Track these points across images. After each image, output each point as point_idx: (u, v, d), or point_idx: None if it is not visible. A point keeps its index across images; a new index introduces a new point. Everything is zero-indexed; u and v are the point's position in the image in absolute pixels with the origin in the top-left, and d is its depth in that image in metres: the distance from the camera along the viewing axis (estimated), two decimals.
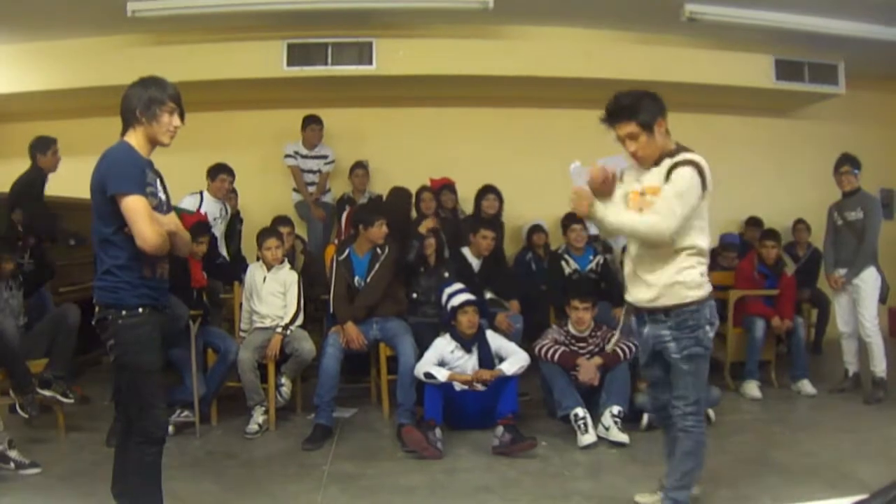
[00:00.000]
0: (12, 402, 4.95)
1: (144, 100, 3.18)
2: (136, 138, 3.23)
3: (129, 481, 3.26)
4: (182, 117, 3.31)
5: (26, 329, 5.36)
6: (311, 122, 7.89)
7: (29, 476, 4.46)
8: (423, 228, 6.46)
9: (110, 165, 3.12)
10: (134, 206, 3.03)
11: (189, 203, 6.27)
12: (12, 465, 4.55)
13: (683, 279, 3.43)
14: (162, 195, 3.32)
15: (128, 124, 3.23)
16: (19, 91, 7.62)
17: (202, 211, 6.23)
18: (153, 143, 3.28)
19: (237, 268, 6.49)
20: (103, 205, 3.12)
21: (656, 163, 3.46)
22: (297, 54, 7.48)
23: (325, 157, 8.06)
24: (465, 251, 6.65)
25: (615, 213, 3.46)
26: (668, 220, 3.30)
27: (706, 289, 3.50)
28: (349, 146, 8.31)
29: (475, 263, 6.60)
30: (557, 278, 6.74)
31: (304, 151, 7.97)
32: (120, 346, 3.19)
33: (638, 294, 3.58)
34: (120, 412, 3.76)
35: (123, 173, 3.08)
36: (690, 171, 3.33)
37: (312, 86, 7.95)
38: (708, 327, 3.48)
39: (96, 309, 3.23)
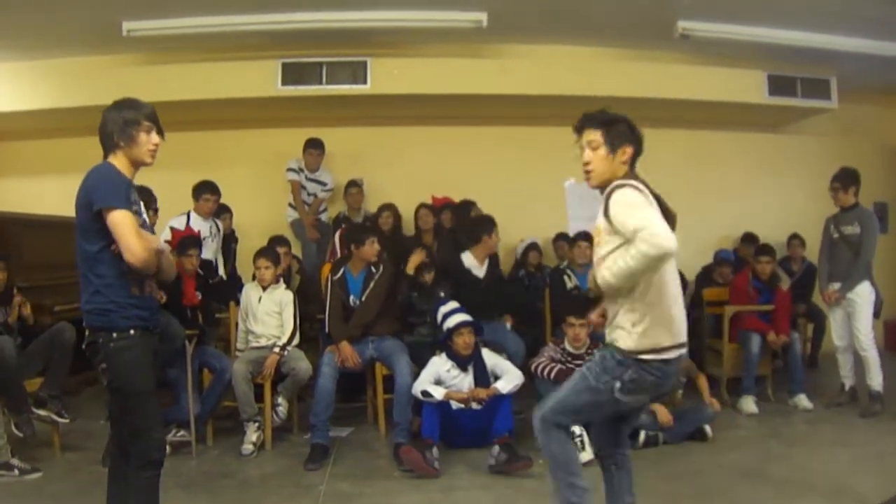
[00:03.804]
0: (7, 420, 4.94)
1: (119, 123, 3.15)
2: (118, 161, 3.20)
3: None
4: (161, 134, 3.27)
5: (21, 348, 5.34)
6: (310, 147, 7.92)
7: (24, 494, 4.46)
8: (410, 269, 6.37)
9: (96, 181, 3.09)
10: (121, 220, 3.00)
11: (176, 224, 6.32)
12: (16, 472, 4.68)
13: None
14: (145, 217, 3.32)
15: (107, 149, 3.21)
16: (14, 110, 7.65)
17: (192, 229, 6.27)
18: (136, 164, 3.25)
19: (233, 287, 6.50)
20: (89, 222, 3.07)
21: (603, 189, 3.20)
22: (292, 73, 7.51)
23: (324, 183, 8.08)
24: (466, 259, 6.48)
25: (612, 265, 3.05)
26: (653, 228, 2.90)
27: None
28: (344, 165, 8.33)
29: (478, 270, 6.47)
30: (560, 292, 6.77)
31: (306, 172, 7.99)
32: (112, 370, 3.13)
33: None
34: (114, 434, 3.73)
35: (109, 189, 3.05)
36: (625, 190, 3.07)
37: (307, 105, 7.98)
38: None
39: (86, 332, 3.18)
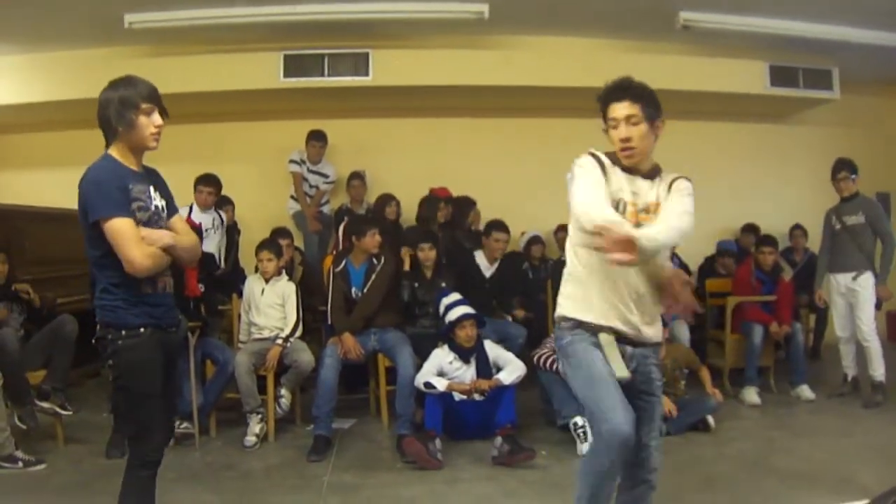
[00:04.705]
0: (10, 413, 4.95)
1: (116, 105, 2.91)
2: (118, 149, 2.99)
3: (123, 500, 3.05)
4: (164, 114, 3.03)
5: (24, 341, 5.34)
6: (312, 139, 7.91)
7: (28, 487, 4.47)
8: (407, 266, 6.37)
9: (88, 189, 2.88)
10: (117, 230, 2.83)
11: None
12: (21, 464, 4.69)
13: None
14: (158, 202, 3.09)
15: (108, 136, 3.00)
16: (16, 102, 7.66)
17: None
18: (138, 150, 3.04)
19: (235, 279, 6.50)
20: (89, 229, 2.90)
21: (648, 175, 3.03)
22: (294, 65, 7.51)
23: (326, 175, 8.09)
24: (478, 256, 6.63)
25: (657, 231, 2.89)
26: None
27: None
28: (347, 157, 8.33)
29: (487, 270, 6.57)
30: None
31: (308, 164, 7.99)
32: (118, 368, 2.98)
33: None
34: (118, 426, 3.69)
35: (102, 196, 2.85)
36: (690, 184, 3.07)
37: (309, 97, 7.97)
38: None
39: (97, 326, 3.02)
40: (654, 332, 3.06)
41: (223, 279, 6.37)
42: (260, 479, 4.73)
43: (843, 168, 6.33)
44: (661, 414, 3.11)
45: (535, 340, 6.07)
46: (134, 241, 2.85)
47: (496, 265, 6.62)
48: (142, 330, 2.97)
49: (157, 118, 3.00)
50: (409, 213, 7.52)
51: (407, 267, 6.26)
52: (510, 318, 6.63)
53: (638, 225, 2.91)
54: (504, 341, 5.95)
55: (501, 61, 7.67)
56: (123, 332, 2.95)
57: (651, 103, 2.95)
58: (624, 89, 2.98)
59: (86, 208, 2.89)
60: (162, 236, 3.02)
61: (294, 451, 5.25)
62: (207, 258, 6.07)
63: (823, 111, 8.88)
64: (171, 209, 3.21)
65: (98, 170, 2.93)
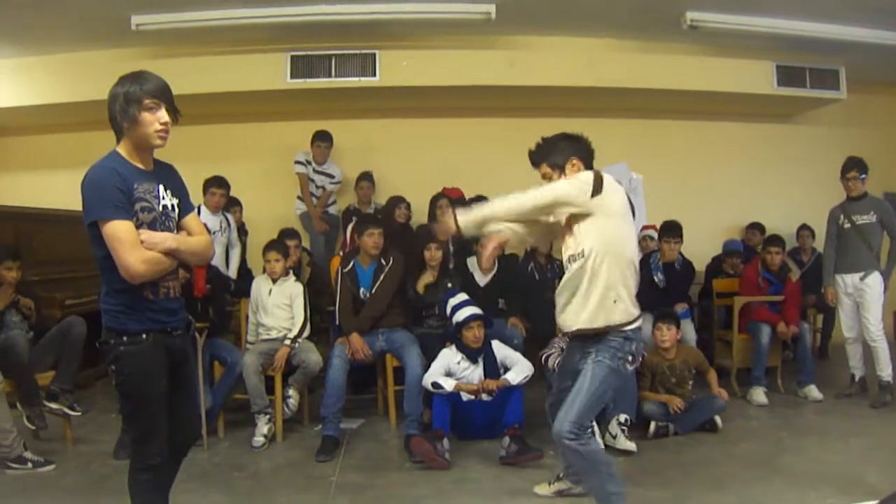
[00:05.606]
0: (20, 414, 4.97)
1: (121, 101, 2.83)
2: (125, 146, 2.91)
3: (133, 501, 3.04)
4: (173, 111, 2.94)
5: (33, 342, 5.35)
6: (318, 139, 7.91)
7: (37, 487, 4.48)
8: (420, 288, 6.30)
9: (87, 189, 2.81)
10: (112, 234, 2.75)
11: None
12: (30, 465, 4.69)
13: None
14: (167, 201, 3.00)
15: (116, 132, 2.91)
16: (23, 104, 7.70)
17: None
18: (144, 147, 2.94)
19: (243, 281, 6.52)
20: (89, 229, 2.82)
21: None
22: (301, 66, 7.52)
23: (332, 176, 8.09)
24: (471, 263, 6.51)
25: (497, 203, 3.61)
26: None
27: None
28: (354, 157, 8.34)
29: (481, 278, 6.42)
30: None
31: (314, 165, 8.00)
32: (121, 374, 2.91)
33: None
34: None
35: (99, 197, 2.77)
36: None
37: (317, 98, 7.98)
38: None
39: (102, 329, 2.96)
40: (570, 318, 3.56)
41: (234, 289, 6.40)
42: (268, 480, 4.74)
43: (854, 167, 6.30)
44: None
45: (542, 341, 6.04)
46: (129, 246, 2.78)
47: (491, 274, 6.42)
48: (143, 336, 2.91)
49: (162, 115, 2.89)
50: (419, 214, 7.54)
51: (422, 289, 6.25)
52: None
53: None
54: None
55: (509, 62, 7.66)
56: (125, 338, 2.89)
57: (552, 155, 3.63)
58: (529, 157, 3.75)
59: (84, 209, 2.82)
60: (164, 239, 2.92)
61: (302, 452, 5.26)
62: (221, 279, 6.08)
63: (830, 111, 8.87)
64: (186, 207, 3.14)
65: (99, 169, 2.84)
